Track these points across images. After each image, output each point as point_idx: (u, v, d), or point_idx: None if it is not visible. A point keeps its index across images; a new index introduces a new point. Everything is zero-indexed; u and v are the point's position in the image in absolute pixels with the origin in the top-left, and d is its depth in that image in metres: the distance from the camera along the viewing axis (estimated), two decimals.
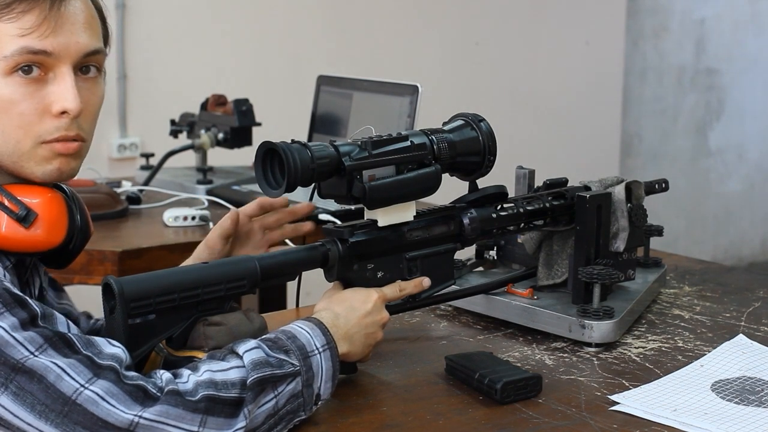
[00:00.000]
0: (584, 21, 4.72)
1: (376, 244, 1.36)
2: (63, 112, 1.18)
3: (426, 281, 1.41)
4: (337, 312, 1.30)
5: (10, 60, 1.15)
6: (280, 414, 1.17)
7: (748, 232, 5.36)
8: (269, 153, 1.29)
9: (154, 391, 1.09)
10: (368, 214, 1.37)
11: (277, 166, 1.28)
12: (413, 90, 2.45)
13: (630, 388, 1.33)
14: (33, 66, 1.16)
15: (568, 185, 1.61)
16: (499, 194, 1.48)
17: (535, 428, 1.22)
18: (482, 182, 1.47)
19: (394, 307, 1.53)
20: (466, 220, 1.44)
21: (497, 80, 4.50)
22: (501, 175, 1.47)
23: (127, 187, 2.61)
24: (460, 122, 1.43)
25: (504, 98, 4.52)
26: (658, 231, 1.76)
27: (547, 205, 1.53)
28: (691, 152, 5.16)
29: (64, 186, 1.28)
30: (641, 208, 1.61)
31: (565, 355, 1.46)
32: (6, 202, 1.17)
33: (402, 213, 1.37)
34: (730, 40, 5.11)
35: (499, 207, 1.48)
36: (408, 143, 1.35)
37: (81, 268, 2.14)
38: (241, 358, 1.16)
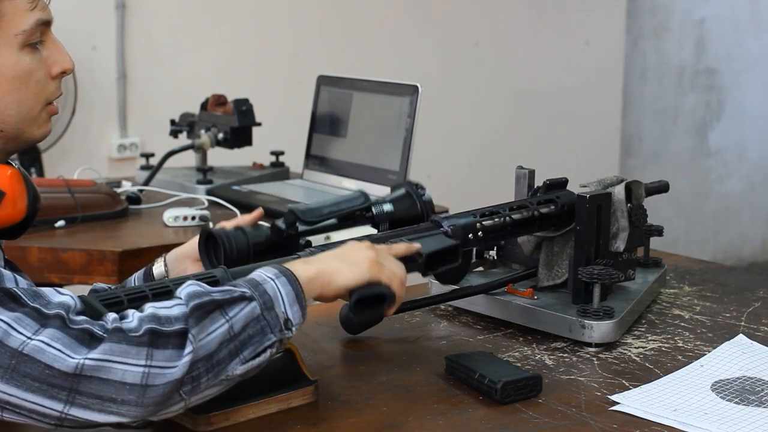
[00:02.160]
0: (584, 21, 4.72)
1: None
2: (63, 73, 1.29)
3: (416, 244, 1.38)
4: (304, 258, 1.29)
5: (29, 34, 1.24)
6: (242, 338, 1.15)
7: (748, 232, 5.36)
8: (210, 238, 1.35)
9: (101, 333, 1.09)
10: None
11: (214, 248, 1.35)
12: (413, 90, 2.46)
13: (630, 388, 1.33)
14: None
15: (568, 186, 1.61)
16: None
17: (535, 428, 1.22)
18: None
19: None
20: (446, 228, 1.45)
21: (497, 80, 4.50)
22: (501, 175, 1.47)
23: (127, 187, 2.61)
24: (401, 192, 1.46)
25: (504, 98, 4.53)
26: (658, 231, 1.75)
27: (536, 214, 1.53)
28: (691, 152, 5.16)
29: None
30: (641, 208, 1.61)
31: (565, 355, 1.46)
32: None
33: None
34: (730, 40, 5.11)
35: (482, 215, 1.49)
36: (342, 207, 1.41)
37: (81, 268, 2.14)
38: (180, 297, 1.15)
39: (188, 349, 1.10)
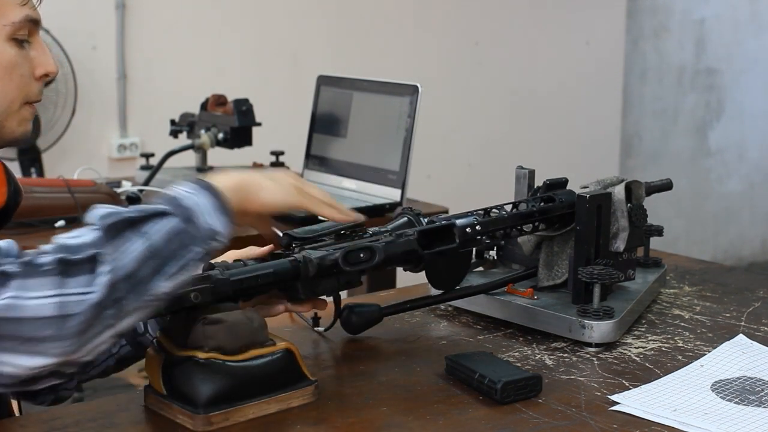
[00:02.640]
0: (584, 21, 4.73)
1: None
2: (46, 75, 1.30)
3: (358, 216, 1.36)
4: None
5: (17, 27, 1.25)
6: (164, 254, 1.10)
7: (748, 232, 5.36)
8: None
9: (13, 269, 1.05)
10: None
11: None
12: (413, 90, 2.46)
13: (630, 388, 1.33)
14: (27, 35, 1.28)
15: (568, 186, 1.61)
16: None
17: (535, 428, 1.22)
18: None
19: (394, 308, 1.54)
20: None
21: (497, 80, 4.50)
22: (501, 175, 1.47)
23: (127, 187, 2.61)
24: (403, 220, 1.45)
25: (504, 98, 4.53)
26: (658, 231, 1.75)
27: (534, 209, 1.54)
28: (691, 152, 5.16)
29: None
30: (641, 208, 1.61)
31: (565, 355, 1.46)
32: None
33: None
34: (730, 40, 5.11)
35: (481, 215, 1.49)
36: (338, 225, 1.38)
37: None
38: (91, 222, 1.11)
39: (103, 269, 1.06)
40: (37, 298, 1.04)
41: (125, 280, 1.07)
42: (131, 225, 1.10)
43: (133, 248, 1.09)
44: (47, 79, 1.31)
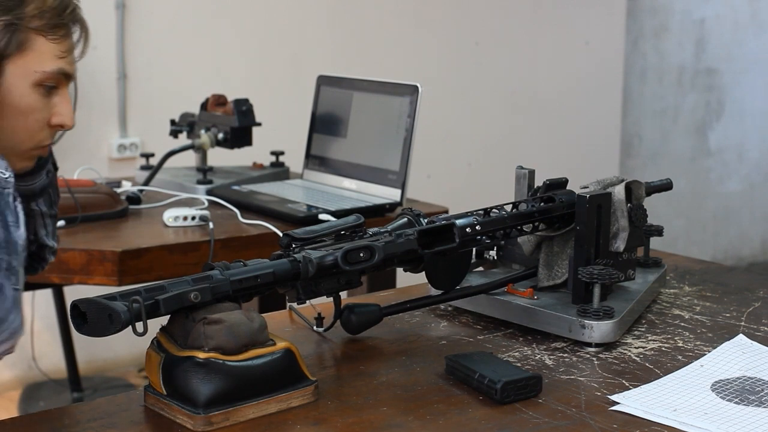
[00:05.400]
0: (584, 21, 4.73)
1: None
2: (60, 126, 1.36)
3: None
4: None
5: (47, 75, 1.30)
6: None
7: (748, 232, 5.36)
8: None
9: None
10: None
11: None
12: (413, 90, 2.46)
13: (630, 388, 1.33)
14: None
15: (568, 186, 1.61)
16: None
17: (535, 428, 1.22)
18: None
19: (394, 308, 1.54)
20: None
21: (497, 80, 4.50)
22: (501, 175, 1.47)
23: (127, 187, 2.61)
24: (403, 221, 1.45)
25: (504, 98, 4.53)
26: (658, 231, 1.76)
27: (534, 208, 1.54)
28: (691, 152, 5.16)
29: None
30: (641, 208, 1.61)
31: (565, 355, 1.46)
32: None
33: None
34: (730, 40, 5.11)
35: (480, 215, 1.49)
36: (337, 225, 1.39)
37: (81, 268, 2.14)
38: None
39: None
40: None
41: None
42: None
43: None
44: (60, 130, 1.36)
